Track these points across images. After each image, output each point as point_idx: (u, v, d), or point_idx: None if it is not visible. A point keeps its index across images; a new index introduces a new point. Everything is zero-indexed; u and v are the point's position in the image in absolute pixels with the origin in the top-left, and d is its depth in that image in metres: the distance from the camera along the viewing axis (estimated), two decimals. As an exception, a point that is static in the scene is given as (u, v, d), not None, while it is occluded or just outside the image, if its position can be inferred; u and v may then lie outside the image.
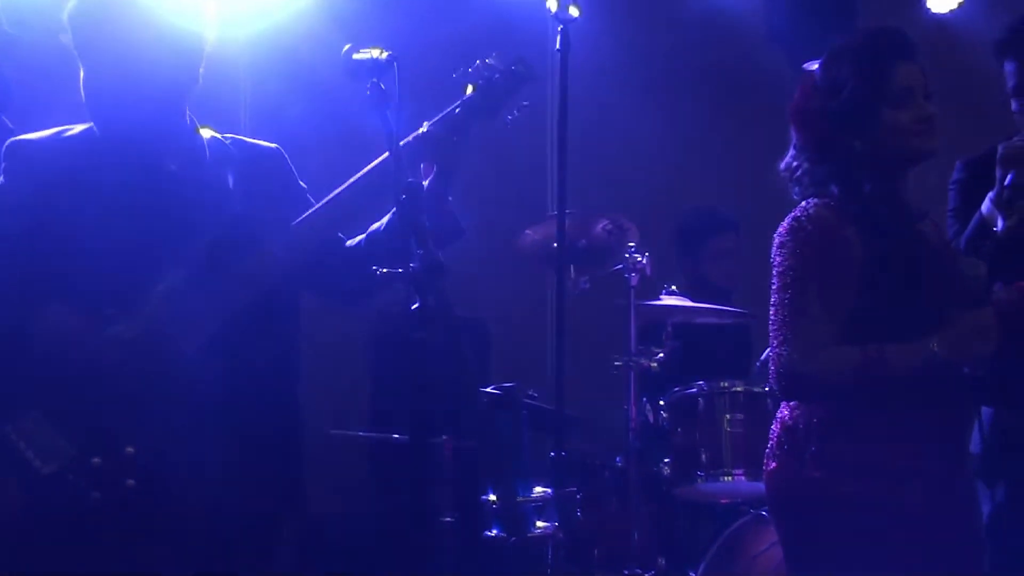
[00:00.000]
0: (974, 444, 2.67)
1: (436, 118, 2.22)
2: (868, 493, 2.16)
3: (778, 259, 2.22)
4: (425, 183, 2.23)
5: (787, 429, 2.27)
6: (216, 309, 2.12)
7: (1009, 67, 2.64)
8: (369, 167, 2.20)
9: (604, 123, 4.77)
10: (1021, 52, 2.63)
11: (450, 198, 2.28)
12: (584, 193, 4.63)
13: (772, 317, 2.21)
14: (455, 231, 2.31)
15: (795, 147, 2.32)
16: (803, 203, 2.25)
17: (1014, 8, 5.39)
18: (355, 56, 2.02)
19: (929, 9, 4.96)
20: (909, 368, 2.14)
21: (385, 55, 2.00)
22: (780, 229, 2.25)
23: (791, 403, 2.29)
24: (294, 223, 2.20)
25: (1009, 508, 2.69)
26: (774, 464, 2.30)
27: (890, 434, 2.18)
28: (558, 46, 2.97)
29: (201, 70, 2.25)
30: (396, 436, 3.62)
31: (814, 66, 2.34)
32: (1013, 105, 2.64)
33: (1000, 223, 2.52)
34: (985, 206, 2.58)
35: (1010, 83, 2.64)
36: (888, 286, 2.16)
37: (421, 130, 2.20)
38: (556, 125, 3.03)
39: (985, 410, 2.54)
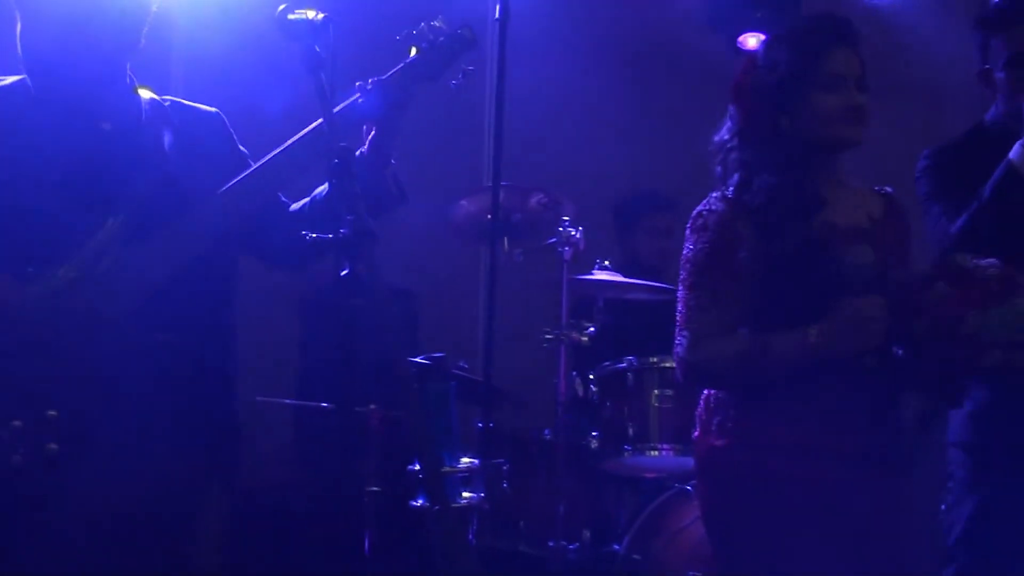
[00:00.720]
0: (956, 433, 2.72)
1: (380, 78, 2.20)
2: (759, 465, 2.23)
3: (683, 251, 2.30)
4: (364, 147, 2.22)
5: (705, 399, 2.36)
6: (146, 271, 2.08)
7: (998, 41, 2.68)
8: (306, 130, 2.18)
9: (543, 96, 4.76)
10: (1010, 24, 2.67)
11: (392, 161, 2.26)
12: (521, 166, 4.63)
13: (677, 307, 2.29)
14: (398, 196, 2.31)
15: (730, 120, 2.35)
16: (709, 196, 2.30)
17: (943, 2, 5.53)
18: (290, 17, 1.98)
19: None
20: (790, 357, 2.18)
21: (320, 17, 1.97)
22: (688, 224, 2.31)
23: None
24: (226, 187, 2.16)
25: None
26: (696, 432, 2.39)
27: (783, 408, 2.23)
28: (497, 15, 2.94)
29: (145, 30, 2.20)
30: (323, 405, 3.60)
31: (751, 40, 2.38)
32: (1001, 75, 2.68)
33: None
34: (1016, 152, 2.57)
35: (1000, 59, 2.68)
36: (779, 280, 2.21)
37: (361, 93, 2.19)
38: (494, 96, 2.99)
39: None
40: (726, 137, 2.35)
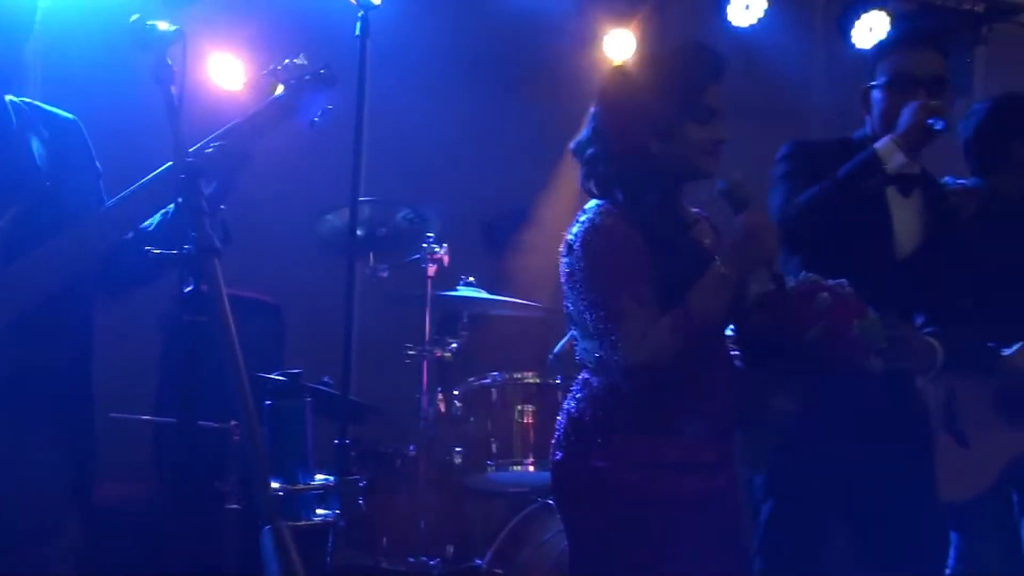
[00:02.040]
0: None
1: (222, 137, 2.23)
2: (648, 483, 2.25)
3: (580, 270, 2.27)
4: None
5: (573, 420, 2.34)
6: (19, 290, 2.02)
7: (883, 64, 2.83)
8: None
9: (412, 112, 4.76)
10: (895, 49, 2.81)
11: (223, 207, 2.26)
12: (388, 181, 4.62)
13: (593, 324, 2.25)
14: (222, 240, 2.30)
15: (593, 131, 2.38)
16: (591, 209, 2.32)
17: (807, 25, 5.76)
18: (141, 27, 1.95)
19: (731, 22, 5.17)
20: (712, 298, 2.22)
21: (173, 28, 1.94)
22: (573, 237, 2.30)
23: (579, 395, 2.36)
24: (106, 206, 2.12)
25: None
26: (560, 454, 2.37)
27: (669, 427, 2.28)
28: (358, 32, 2.94)
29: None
30: (179, 421, 3.51)
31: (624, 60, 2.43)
32: (878, 95, 2.82)
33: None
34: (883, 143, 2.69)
35: (881, 79, 2.81)
36: (673, 292, 2.25)
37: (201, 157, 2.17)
38: (355, 112, 3.00)
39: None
40: (590, 149, 2.37)
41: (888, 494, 2.75)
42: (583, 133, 2.40)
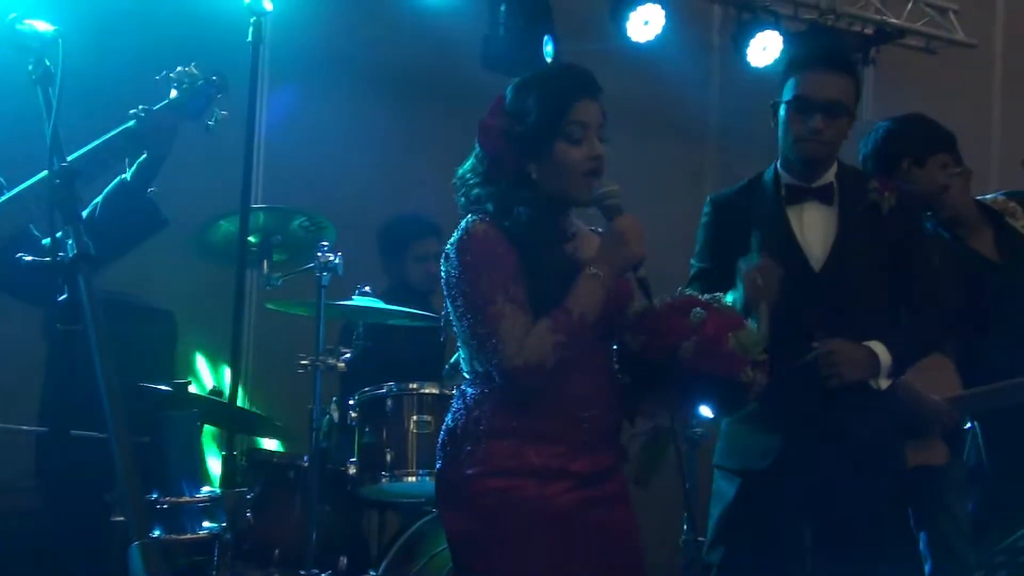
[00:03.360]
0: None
1: (143, 114, 2.31)
2: (512, 490, 2.29)
3: (457, 277, 2.29)
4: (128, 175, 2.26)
5: (449, 430, 2.39)
6: None
7: (791, 80, 2.88)
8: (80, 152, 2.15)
9: (311, 119, 4.74)
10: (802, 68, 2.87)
11: (152, 188, 2.32)
12: (286, 188, 4.59)
13: (472, 334, 2.28)
14: (156, 222, 2.37)
15: (476, 158, 2.42)
16: (466, 220, 2.34)
17: (704, 42, 5.87)
18: (18, 27, 1.90)
19: (630, 38, 5.25)
20: (584, 300, 2.26)
21: (51, 30, 1.89)
22: (450, 246, 2.34)
23: (455, 407, 2.40)
24: None
25: None
26: (440, 463, 2.42)
27: (537, 435, 2.31)
28: (250, 38, 2.91)
29: None
30: (52, 431, 3.42)
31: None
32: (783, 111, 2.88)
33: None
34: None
35: (786, 96, 2.87)
36: (538, 300, 2.28)
37: (129, 124, 2.28)
38: (260, 117, 2.97)
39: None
40: (469, 175, 2.40)
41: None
42: (466, 163, 2.43)
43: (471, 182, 2.40)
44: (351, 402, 3.61)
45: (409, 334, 4.05)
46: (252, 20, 2.90)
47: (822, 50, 2.95)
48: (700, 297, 2.38)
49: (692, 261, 3.08)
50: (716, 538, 2.92)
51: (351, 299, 3.53)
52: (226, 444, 3.02)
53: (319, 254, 3.31)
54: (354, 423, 3.59)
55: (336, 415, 3.48)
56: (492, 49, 4.86)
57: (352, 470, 3.56)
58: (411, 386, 3.58)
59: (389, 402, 3.56)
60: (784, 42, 5.47)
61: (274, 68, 4.72)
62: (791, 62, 2.90)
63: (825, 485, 2.80)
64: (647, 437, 2.48)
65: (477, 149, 2.41)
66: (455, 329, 2.37)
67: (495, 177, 2.37)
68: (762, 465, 2.83)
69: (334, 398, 3.62)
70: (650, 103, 5.43)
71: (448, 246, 2.35)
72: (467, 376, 2.39)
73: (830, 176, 2.88)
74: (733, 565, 2.84)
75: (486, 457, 2.31)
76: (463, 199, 2.41)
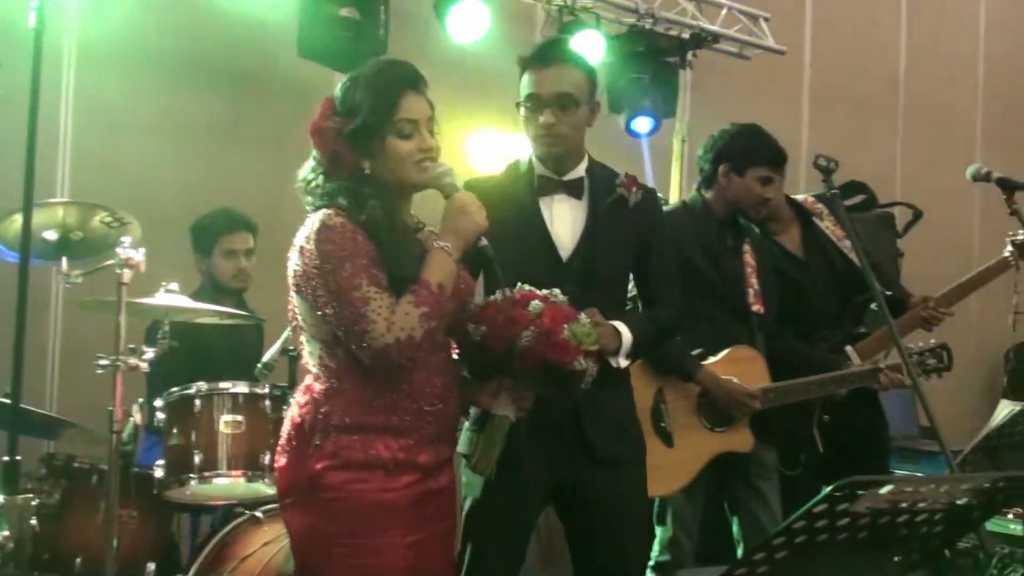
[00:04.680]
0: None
1: None
2: (362, 482, 2.35)
3: (316, 267, 2.33)
4: None
5: (295, 425, 2.42)
6: None
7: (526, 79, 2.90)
8: None
9: (116, 112, 4.58)
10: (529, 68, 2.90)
11: None
12: (93, 182, 4.42)
13: (337, 321, 2.32)
14: None
15: (314, 161, 2.47)
16: (318, 213, 2.38)
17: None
18: None
19: (452, 39, 5.27)
20: (438, 272, 2.37)
21: None
22: (304, 239, 2.36)
23: (301, 401, 2.43)
24: None
25: None
26: (284, 460, 2.44)
27: (385, 429, 2.37)
28: (32, 24, 2.79)
29: None
30: None
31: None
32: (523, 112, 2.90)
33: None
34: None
35: (521, 95, 2.89)
36: (394, 285, 2.35)
37: None
38: (30, 107, 2.85)
39: None
40: (311, 176, 2.45)
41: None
42: (307, 166, 2.47)
43: (315, 181, 2.44)
44: (157, 403, 3.52)
45: (220, 332, 3.96)
46: (34, 6, 2.77)
47: (547, 45, 2.96)
48: (537, 291, 2.50)
49: None
50: (466, 532, 2.87)
51: (155, 297, 3.42)
52: (8, 448, 2.88)
53: (119, 250, 3.20)
54: (161, 424, 3.50)
55: (139, 416, 3.37)
56: (308, 38, 4.78)
57: (159, 473, 3.47)
58: (221, 385, 3.51)
59: (198, 402, 3.48)
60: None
61: (82, 58, 4.55)
62: (521, 61, 2.92)
63: (569, 474, 2.84)
64: (488, 425, 2.55)
65: (314, 151, 2.45)
66: (306, 322, 2.41)
67: (335, 176, 2.42)
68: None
69: (140, 399, 3.51)
70: (477, 100, 5.46)
71: (301, 240, 2.37)
72: (313, 371, 2.43)
73: (580, 171, 2.93)
74: (479, 559, 2.82)
75: (335, 451, 2.35)
76: (311, 198, 2.44)
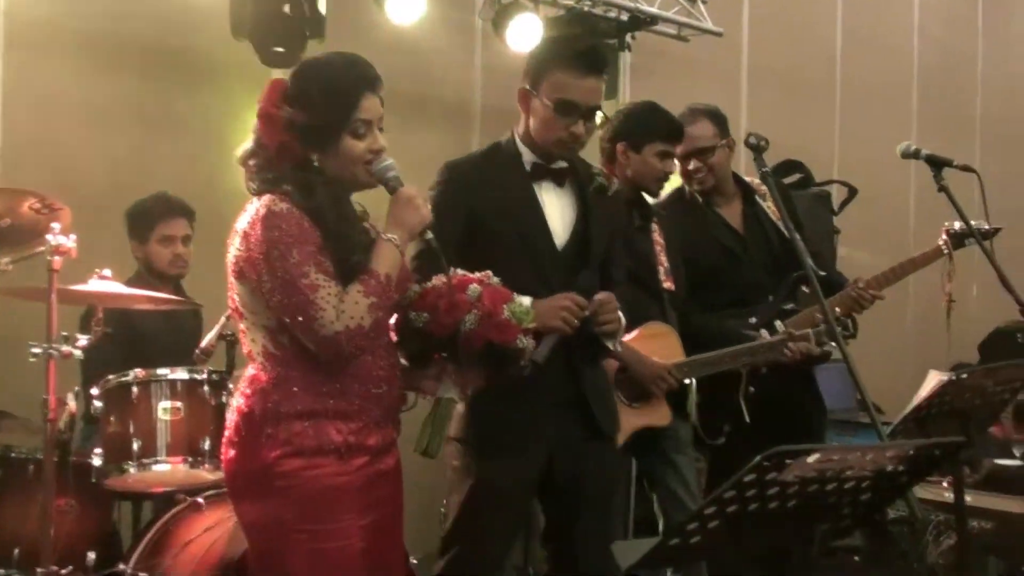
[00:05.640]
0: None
1: None
2: (315, 468, 2.36)
3: (261, 254, 2.31)
4: None
5: (243, 415, 2.41)
6: None
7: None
8: None
9: (47, 97, 4.50)
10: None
11: None
12: (15, 169, 4.35)
13: (284, 308, 2.31)
14: None
15: (256, 143, 2.44)
16: (262, 199, 2.37)
17: (466, 24, 5.93)
18: None
19: (391, 20, 5.24)
20: (385, 263, 2.39)
21: None
22: (247, 225, 2.34)
23: (247, 391, 2.42)
24: None
25: None
26: (233, 451, 2.43)
27: (335, 414, 2.38)
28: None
29: None
30: None
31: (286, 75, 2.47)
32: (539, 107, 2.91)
33: None
34: None
35: (550, 96, 2.88)
36: (340, 273, 2.36)
37: None
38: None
39: None
40: (253, 161, 2.43)
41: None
42: (247, 144, 2.45)
43: (258, 166, 2.43)
44: (94, 391, 3.48)
45: (157, 319, 3.93)
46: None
47: (589, 53, 2.91)
48: (471, 275, 2.55)
49: None
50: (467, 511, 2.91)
51: (88, 284, 3.37)
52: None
53: (49, 237, 3.15)
54: (98, 412, 3.46)
55: (75, 405, 3.33)
56: (241, 19, 4.72)
57: (97, 461, 3.44)
58: (159, 372, 3.47)
59: (135, 389, 3.44)
60: (543, 27, 5.59)
61: (10, 42, 4.47)
62: (555, 56, 2.89)
63: (566, 448, 2.90)
64: (434, 410, 2.61)
65: (259, 135, 2.43)
66: (248, 309, 2.39)
67: (280, 162, 2.40)
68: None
69: (76, 388, 3.47)
70: (416, 83, 5.44)
71: (244, 225, 2.35)
72: (257, 360, 2.41)
73: (563, 161, 2.97)
74: (481, 536, 2.88)
75: (288, 439, 2.35)
76: (254, 182, 2.43)
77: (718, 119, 3.88)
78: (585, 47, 2.93)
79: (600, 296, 2.74)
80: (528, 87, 2.92)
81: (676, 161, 3.77)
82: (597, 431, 2.93)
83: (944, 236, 3.93)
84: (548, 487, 2.94)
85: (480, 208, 2.64)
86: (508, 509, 2.90)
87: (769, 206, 3.98)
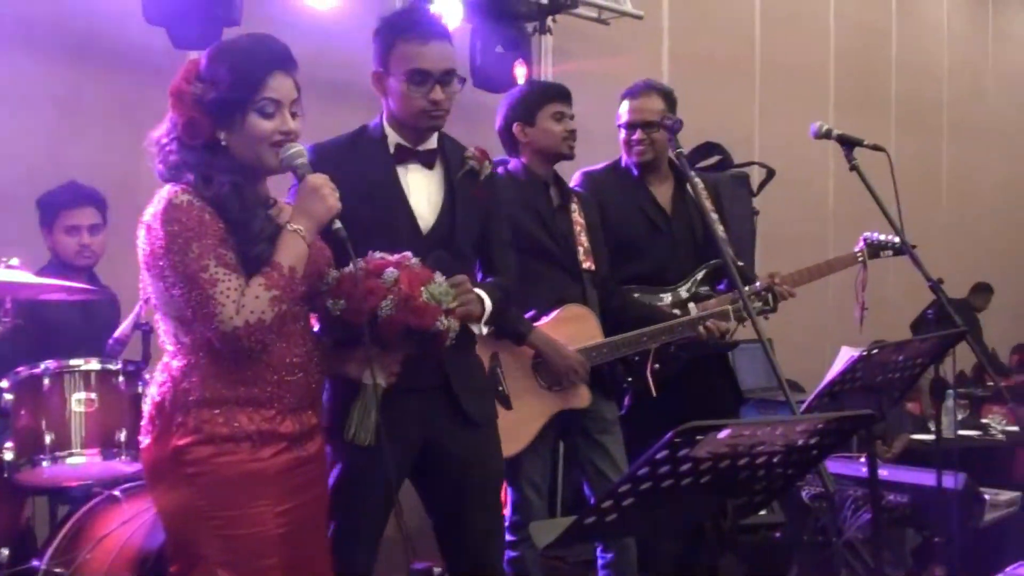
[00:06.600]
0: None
1: None
2: (226, 455, 2.34)
3: (163, 247, 2.28)
4: None
5: (156, 404, 2.39)
6: None
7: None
8: None
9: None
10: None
11: None
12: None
13: (186, 302, 2.29)
14: None
15: (169, 122, 2.41)
16: (165, 189, 2.34)
17: (387, 9, 5.87)
18: None
19: (308, 5, 5.17)
20: (290, 254, 2.36)
21: None
22: (151, 217, 2.32)
23: (160, 380, 2.40)
24: None
25: None
26: (148, 440, 2.41)
27: (247, 401, 2.37)
28: None
29: None
30: None
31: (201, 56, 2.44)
32: (395, 85, 2.84)
33: None
34: None
35: (398, 70, 2.81)
36: (244, 263, 2.34)
37: None
38: None
39: None
40: (164, 140, 2.40)
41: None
42: (160, 126, 2.42)
43: (167, 147, 2.40)
44: (3, 384, 3.39)
45: (70, 309, 3.83)
46: None
47: (427, 18, 2.89)
48: (389, 257, 2.52)
49: None
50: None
51: (-5, 273, 3.27)
52: None
53: (-48, 224, 3.06)
54: (8, 405, 3.38)
55: (-14, 397, 3.24)
56: (155, 3, 4.63)
57: (8, 455, 3.35)
58: (71, 363, 3.40)
59: (47, 381, 3.36)
60: (463, 10, 5.57)
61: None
62: (395, 31, 2.82)
63: (437, 435, 2.86)
64: (360, 395, 2.55)
65: (171, 113, 2.40)
66: (158, 300, 2.37)
67: (189, 142, 2.37)
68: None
69: (-17, 381, 3.38)
70: (335, 69, 5.38)
71: (148, 217, 2.32)
72: (170, 348, 2.40)
73: (433, 141, 2.91)
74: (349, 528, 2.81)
75: (198, 426, 2.34)
76: (161, 166, 2.40)
77: (670, 99, 3.90)
78: (420, 15, 2.94)
79: (454, 279, 2.64)
80: (380, 69, 2.88)
81: (623, 130, 3.81)
82: (468, 419, 2.87)
83: (862, 243, 4.00)
84: (423, 470, 2.89)
85: (341, 190, 2.60)
86: (376, 490, 2.79)
87: (701, 197, 4.01)
